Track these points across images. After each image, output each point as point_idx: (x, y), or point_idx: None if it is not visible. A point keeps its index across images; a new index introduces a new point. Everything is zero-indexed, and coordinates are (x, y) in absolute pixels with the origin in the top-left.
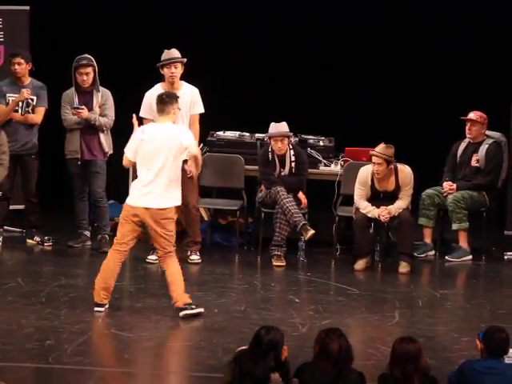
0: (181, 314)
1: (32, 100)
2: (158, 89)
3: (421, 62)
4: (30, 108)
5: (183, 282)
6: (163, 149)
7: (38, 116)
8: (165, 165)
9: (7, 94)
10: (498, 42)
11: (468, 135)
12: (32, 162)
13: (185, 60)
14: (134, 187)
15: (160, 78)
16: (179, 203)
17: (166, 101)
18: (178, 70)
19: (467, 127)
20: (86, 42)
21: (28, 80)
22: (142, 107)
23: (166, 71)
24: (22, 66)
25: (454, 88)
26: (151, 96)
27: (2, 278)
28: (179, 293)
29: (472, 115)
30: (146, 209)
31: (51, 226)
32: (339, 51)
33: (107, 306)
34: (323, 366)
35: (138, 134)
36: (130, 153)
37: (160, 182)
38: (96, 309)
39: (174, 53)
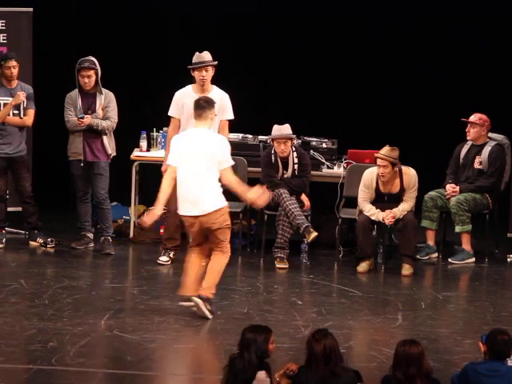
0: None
1: (23, 103)
2: (188, 89)
3: (424, 64)
4: (21, 110)
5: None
6: (201, 155)
7: (30, 118)
8: (205, 170)
9: None
10: (503, 45)
11: (467, 137)
12: (24, 164)
13: (216, 63)
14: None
15: (169, 79)
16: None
17: (204, 106)
18: (209, 73)
19: (467, 129)
20: (89, 44)
21: (16, 82)
22: (171, 106)
23: (196, 74)
24: (16, 69)
25: (458, 90)
26: (180, 96)
27: (5, 279)
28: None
29: (472, 117)
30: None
31: (54, 228)
32: (342, 53)
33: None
34: (315, 368)
35: (176, 141)
36: (171, 161)
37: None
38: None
39: (206, 56)
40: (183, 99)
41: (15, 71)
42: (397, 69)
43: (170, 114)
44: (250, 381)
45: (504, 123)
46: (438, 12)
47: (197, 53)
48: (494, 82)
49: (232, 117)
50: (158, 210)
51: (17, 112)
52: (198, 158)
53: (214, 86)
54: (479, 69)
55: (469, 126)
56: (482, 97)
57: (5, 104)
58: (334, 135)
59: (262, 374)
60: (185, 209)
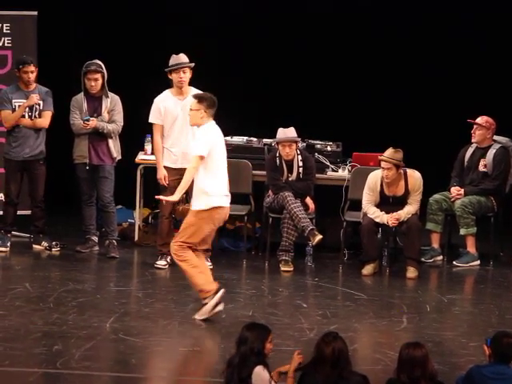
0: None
1: (39, 105)
2: (166, 94)
3: (429, 66)
4: (37, 113)
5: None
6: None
7: (45, 120)
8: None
9: (13, 100)
10: (503, 45)
11: (473, 139)
12: (40, 167)
13: (193, 65)
14: (218, 190)
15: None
16: None
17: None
18: (187, 75)
19: (472, 131)
20: (93, 47)
21: (33, 85)
22: (151, 113)
23: (174, 76)
24: (34, 74)
25: (463, 93)
26: (160, 101)
27: (10, 282)
28: None
29: (478, 119)
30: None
31: (59, 231)
32: (347, 56)
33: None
34: (322, 371)
35: (210, 132)
36: (205, 150)
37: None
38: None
39: (182, 58)
40: (164, 104)
41: (33, 76)
42: (402, 71)
43: (150, 120)
44: (247, 377)
45: (504, 123)
46: (438, 12)
47: (173, 55)
48: (494, 83)
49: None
50: (175, 197)
51: (34, 114)
52: (224, 150)
53: (192, 88)
54: (479, 69)
55: (474, 127)
56: (482, 97)
57: (19, 106)
58: (339, 138)
59: (259, 369)
60: (224, 201)
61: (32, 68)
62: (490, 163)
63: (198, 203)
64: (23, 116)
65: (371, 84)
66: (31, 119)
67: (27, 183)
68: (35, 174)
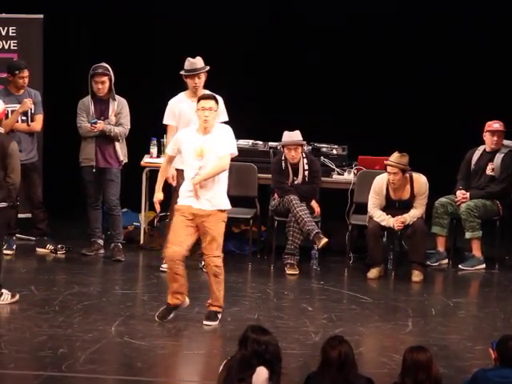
0: None
1: (31, 109)
2: (181, 97)
3: (434, 70)
4: (30, 117)
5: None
6: None
7: (39, 124)
8: None
9: (6, 105)
10: (503, 45)
11: (495, 145)
12: (35, 170)
13: (208, 68)
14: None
15: (180, 85)
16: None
17: None
18: (202, 79)
19: (495, 138)
20: (100, 50)
21: (23, 89)
22: (165, 114)
23: (189, 81)
24: (27, 79)
25: (468, 96)
26: (174, 104)
27: (16, 286)
28: None
29: (498, 126)
30: None
31: (64, 234)
32: (352, 60)
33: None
34: (328, 374)
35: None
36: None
37: None
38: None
39: (198, 63)
40: (178, 106)
41: (27, 80)
42: (407, 75)
43: (165, 122)
44: (247, 378)
45: (504, 122)
46: (438, 12)
47: (189, 59)
48: (494, 83)
49: (226, 119)
50: (196, 180)
51: (25, 118)
52: None
53: (206, 90)
54: (479, 69)
55: (497, 135)
56: (482, 97)
57: (12, 111)
58: (345, 141)
59: (261, 370)
60: None
61: (27, 73)
62: (497, 167)
63: (224, 202)
64: (16, 121)
65: (377, 88)
66: (27, 124)
67: (24, 187)
68: (31, 177)
